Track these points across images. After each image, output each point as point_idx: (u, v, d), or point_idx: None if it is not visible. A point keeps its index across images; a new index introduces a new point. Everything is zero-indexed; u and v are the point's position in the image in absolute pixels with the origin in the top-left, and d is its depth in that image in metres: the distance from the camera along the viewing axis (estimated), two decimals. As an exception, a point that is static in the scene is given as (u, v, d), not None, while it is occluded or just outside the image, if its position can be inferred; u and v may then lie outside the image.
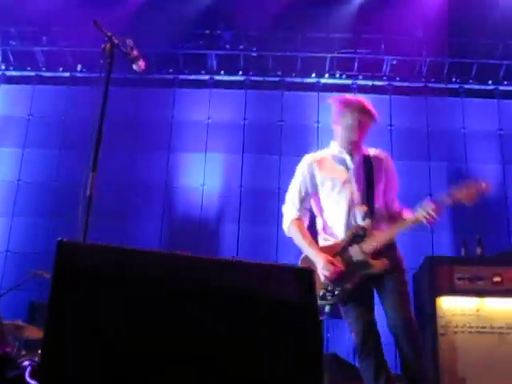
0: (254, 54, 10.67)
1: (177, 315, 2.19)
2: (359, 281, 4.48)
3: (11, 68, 10.90)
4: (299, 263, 4.65)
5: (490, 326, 6.71)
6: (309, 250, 4.60)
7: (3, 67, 10.87)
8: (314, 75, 10.78)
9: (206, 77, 10.88)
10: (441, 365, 6.55)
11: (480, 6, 9.62)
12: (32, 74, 10.88)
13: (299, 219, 4.75)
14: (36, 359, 5.51)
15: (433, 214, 4.51)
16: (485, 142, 10.32)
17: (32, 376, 4.90)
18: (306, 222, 4.82)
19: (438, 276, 6.93)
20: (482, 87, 10.71)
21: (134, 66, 4.64)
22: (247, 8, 9.88)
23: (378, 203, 4.75)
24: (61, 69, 10.86)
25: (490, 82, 10.67)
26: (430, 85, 10.68)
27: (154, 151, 10.37)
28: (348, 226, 4.64)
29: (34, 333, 6.53)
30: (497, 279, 6.85)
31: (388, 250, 4.58)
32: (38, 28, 10.35)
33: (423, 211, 4.52)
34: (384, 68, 10.66)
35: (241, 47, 10.61)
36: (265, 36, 10.42)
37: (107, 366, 2.06)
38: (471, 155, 10.24)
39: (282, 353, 2.22)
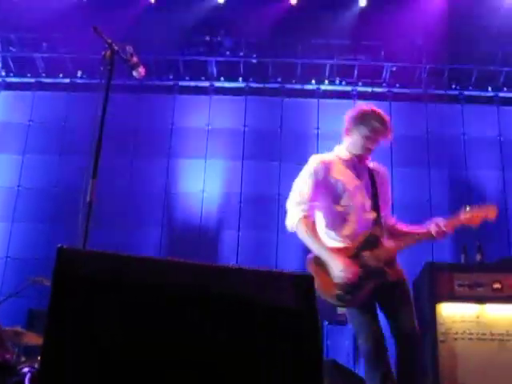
0: (254, 61, 10.70)
1: (175, 322, 2.18)
2: (374, 287, 4.46)
3: (11, 74, 10.92)
4: (308, 264, 4.57)
5: (490, 333, 6.70)
6: (321, 251, 4.49)
7: (3, 73, 10.89)
8: (313, 82, 10.80)
9: (207, 83, 10.89)
10: (441, 371, 6.54)
11: (480, 13, 9.63)
12: (32, 80, 10.90)
13: (308, 217, 4.62)
14: (35, 366, 5.51)
15: (444, 229, 4.58)
16: (485, 149, 10.33)
17: (32, 383, 4.90)
18: (314, 221, 4.76)
19: (438, 282, 6.92)
20: (482, 94, 10.74)
21: (134, 73, 4.64)
22: (247, 15, 9.91)
23: (383, 213, 4.77)
24: (61, 75, 10.88)
25: (489, 88, 10.70)
26: (430, 91, 10.70)
27: (154, 157, 10.38)
28: (358, 230, 4.62)
29: (33, 339, 6.52)
30: (497, 286, 6.84)
31: (392, 260, 4.60)
32: (38, 34, 10.37)
33: (435, 226, 4.56)
34: (384, 75, 10.68)
35: (241, 54, 10.63)
36: (265, 43, 10.44)
37: (107, 373, 2.06)
38: (471, 162, 10.25)
39: (281, 359, 2.22)
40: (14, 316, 8.03)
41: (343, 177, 4.71)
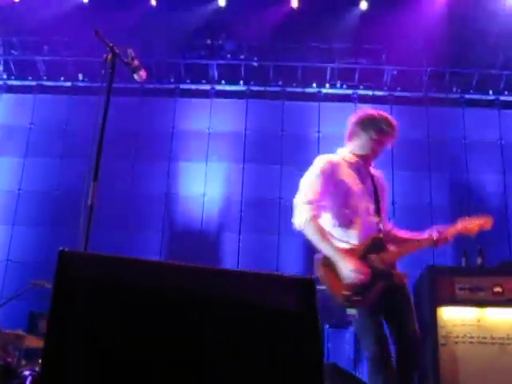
0: (255, 64, 10.71)
1: (177, 325, 2.18)
2: (382, 289, 4.46)
3: (13, 77, 10.94)
4: (316, 265, 4.54)
5: (490, 337, 6.70)
6: (331, 252, 4.44)
7: (5, 76, 10.90)
8: (314, 85, 10.81)
9: (208, 86, 10.90)
10: (441, 375, 6.53)
11: (480, 17, 9.64)
12: (33, 83, 10.91)
13: (316, 217, 4.56)
14: (36, 369, 5.52)
15: (445, 236, 4.67)
16: (485, 152, 10.33)
17: (32, 386, 4.91)
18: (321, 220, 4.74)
19: (439, 286, 6.92)
20: (483, 97, 10.75)
21: (136, 76, 4.65)
22: (248, 18, 9.91)
23: (385, 217, 4.79)
24: (62, 78, 10.89)
25: (490, 92, 10.71)
26: (431, 95, 10.71)
27: (155, 161, 10.38)
28: (364, 233, 4.61)
29: (34, 342, 6.52)
30: (497, 289, 6.84)
31: (395, 264, 4.62)
32: (40, 37, 10.38)
33: (437, 232, 4.63)
34: (385, 78, 10.68)
35: (242, 57, 10.64)
36: (266, 46, 10.45)
37: (108, 376, 2.06)
38: (472, 165, 10.25)
39: (282, 363, 2.22)
40: (14, 319, 8.03)
41: (349, 179, 4.70)
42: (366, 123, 4.81)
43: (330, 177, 4.66)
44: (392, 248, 4.65)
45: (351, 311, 4.44)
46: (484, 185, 10.14)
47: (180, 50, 10.54)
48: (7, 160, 10.47)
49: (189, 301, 2.22)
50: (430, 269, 7.16)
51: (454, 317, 6.80)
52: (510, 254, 9.61)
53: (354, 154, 4.84)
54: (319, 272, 4.46)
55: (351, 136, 4.90)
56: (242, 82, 10.84)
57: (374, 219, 4.68)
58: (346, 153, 4.88)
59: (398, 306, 4.53)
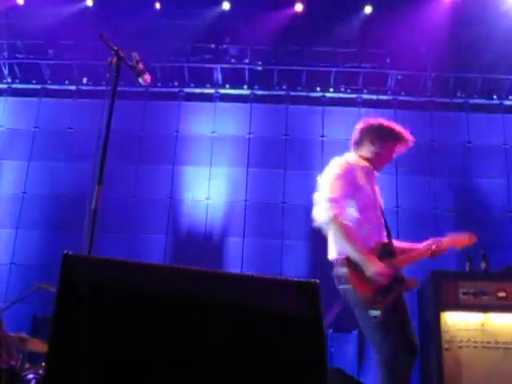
0: (260, 68, 10.71)
1: (181, 330, 2.18)
2: (396, 294, 4.48)
3: (17, 81, 10.95)
4: (340, 263, 4.51)
5: (494, 341, 6.69)
6: (355, 253, 4.45)
7: (10, 80, 10.92)
8: (319, 89, 10.80)
9: (212, 90, 10.90)
10: (445, 380, 6.53)
11: (484, 21, 9.63)
12: (38, 86, 10.92)
13: (341, 216, 4.52)
14: (40, 372, 5.52)
15: (443, 247, 4.77)
16: (490, 157, 10.32)
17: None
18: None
19: (443, 291, 6.92)
20: (487, 102, 10.73)
21: (140, 80, 4.66)
22: (252, 22, 9.92)
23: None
24: (67, 82, 10.90)
25: (494, 96, 10.69)
26: (435, 99, 10.69)
27: (159, 164, 10.38)
28: (376, 237, 4.62)
29: (38, 346, 6.52)
30: (502, 294, 6.83)
31: None
32: (44, 41, 10.39)
33: (434, 243, 4.73)
34: (389, 82, 10.67)
35: (246, 61, 10.64)
36: (270, 50, 10.45)
37: (112, 380, 2.06)
38: (476, 170, 10.24)
39: (286, 367, 2.22)
40: (18, 322, 8.03)
41: (365, 184, 4.72)
42: (387, 136, 4.88)
43: (351, 179, 4.67)
44: (400, 256, 4.68)
45: (375, 312, 4.45)
46: (488, 189, 10.12)
47: (184, 53, 10.54)
48: (12, 163, 10.48)
49: (192, 304, 2.22)
50: (433, 273, 7.16)
51: (457, 321, 6.79)
52: (514, 259, 9.59)
53: (365, 160, 4.85)
54: (343, 271, 4.45)
55: (360, 142, 4.92)
56: (246, 85, 10.84)
57: (383, 225, 4.70)
58: (357, 157, 4.88)
59: (401, 313, 4.55)
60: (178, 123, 10.63)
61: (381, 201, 4.88)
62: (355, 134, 5.00)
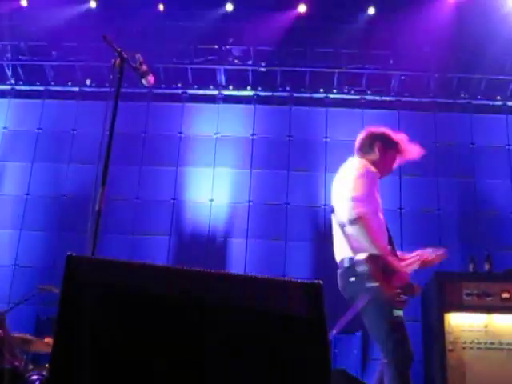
0: (263, 69, 10.70)
1: (184, 330, 2.19)
2: (406, 299, 4.50)
3: (21, 82, 10.96)
4: (364, 262, 4.45)
5: (498, 342, 6.70)
6: (382, 251, 4.47)
7: (13, 81, 10.93)
8: (322, 90, 10.80)
9: (215, 92, 10.90)
10: (449, 380, 6.53)
11: (488, 22, 9.61)
12: (41, 88, 10.93)
13: (367, 214, 4.52)
14: (44, 373, 5.53)
15: (435, 259, 4.82)
16: (493, 158, 10.31)
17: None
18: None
19: (447, 292, 6.92)
20: (491, 103, 10.72)
21: (144, 81, 4.66)
22: (256, 24, 9.92)
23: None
24: (70, 83, 10.91)
25: (498, 97, 10.68)
26: (439, 100, 10.68)
27: (162, 166, 10.38)
28: (385, 243, 4.64)
29: (42, 346, 6.53)
30: (505, 295, 6.84)
31: None
32: (48, 43, 10.40)
33: (433, 253, 4.77)
34: (392, 83, 10.67)
35: (249, 62, 10.63)
36: (273, 51, 10.44)
37: (116, 381, 2.06)
38: (479, 171, 10.23)
39: (290, 368, 2.22)
40: (22, 323, 8.05)
41: (377, 190, 4.75)
42: (395, 146, 4.92)
43: (370, 181, 4.70)
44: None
45: (399, 312, 4.46)
46: (491, 190, 10.11)
47: (188, 55, 10.54)
48: (15, 165, 10.49)
49: (195, 305, 2.22)
50: (437, 274, 7.17)
51: (461, 322, 6.80)
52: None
53: (374, 166, 4.86)
54: (366, 269, 4.42)
55: (365, 148, 4.94)
56: (249, 87, 10.84)
57: (386, 231, 4.72)
58: (365, 162, 4.88)
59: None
60: (181, 124, 10.63)
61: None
62: (360, 141, 5.02)
